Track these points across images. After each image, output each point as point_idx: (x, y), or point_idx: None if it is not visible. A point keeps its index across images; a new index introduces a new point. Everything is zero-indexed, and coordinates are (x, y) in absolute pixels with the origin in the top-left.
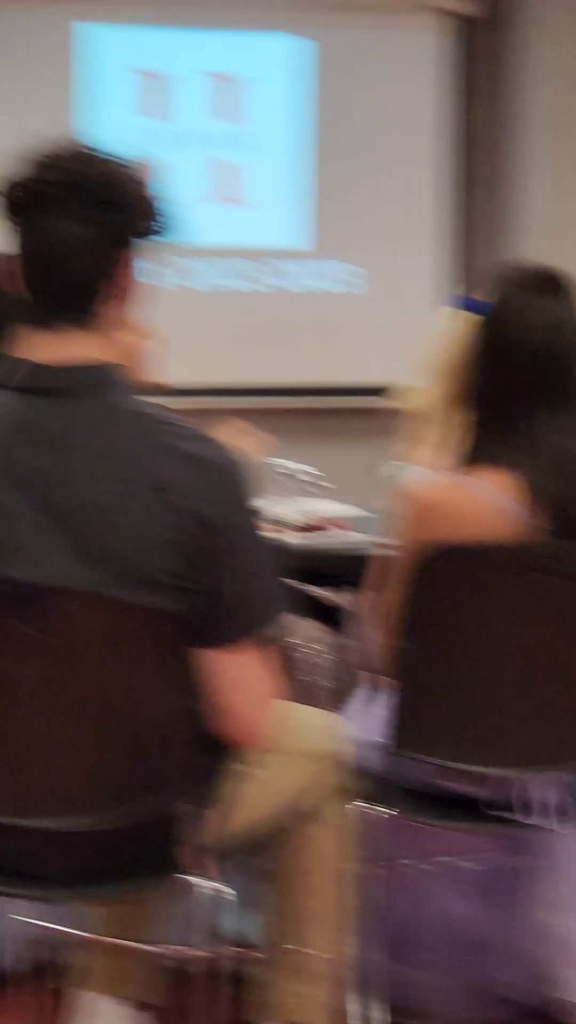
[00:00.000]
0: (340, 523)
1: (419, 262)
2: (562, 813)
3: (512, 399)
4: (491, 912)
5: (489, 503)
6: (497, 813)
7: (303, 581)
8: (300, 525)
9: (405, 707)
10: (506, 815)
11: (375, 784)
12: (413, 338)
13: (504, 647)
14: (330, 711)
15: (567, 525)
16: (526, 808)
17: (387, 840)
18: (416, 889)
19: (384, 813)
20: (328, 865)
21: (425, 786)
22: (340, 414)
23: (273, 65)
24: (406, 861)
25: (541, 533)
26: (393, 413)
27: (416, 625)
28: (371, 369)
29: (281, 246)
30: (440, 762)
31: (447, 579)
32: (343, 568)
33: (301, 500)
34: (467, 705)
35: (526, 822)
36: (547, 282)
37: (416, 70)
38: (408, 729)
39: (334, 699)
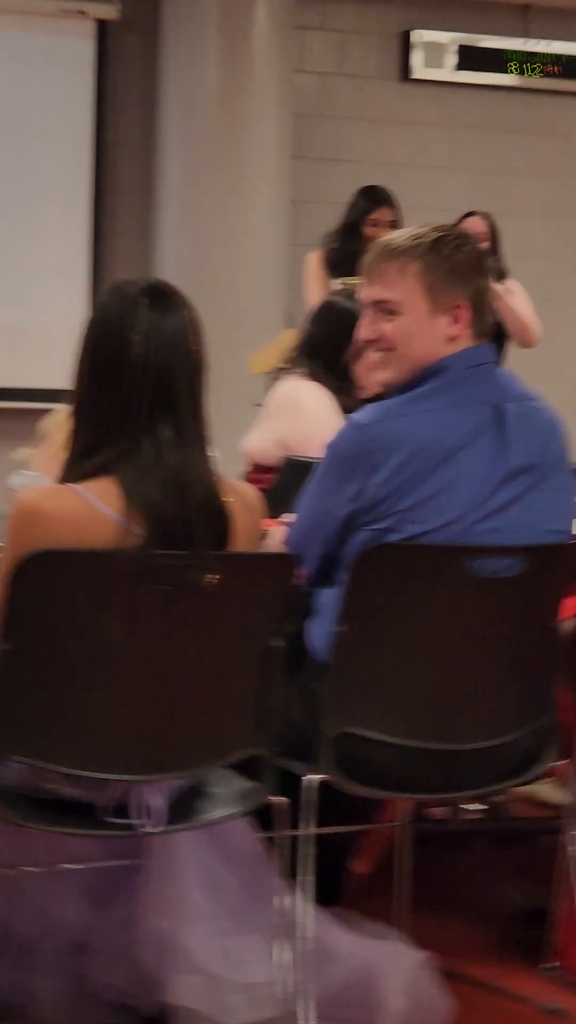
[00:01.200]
0: None
1: (51, 266)
2: (169, 817)
3: (115, 409)
4: (98, 915)
5: (91, 511)
6: (103, 817)
7: None
8: None
9: (5, 709)
10: (112, 819)
11: None
12: (41, 343)
13: (105, 653)
14: None
15: (166, 535)
16: (132, 812)
17: None
18: (20, 891)
19: None
20: None
21: (27, 789)
22: None
23: None
24: (10, 864)
25: (142, 542)
26: (27, 417)
27: (13, 628)
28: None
29: None
30: (42, 764)
31: (40, 583)
32: None
33: None
34: (71, 709)
35: (133, 826)
36: (154, 295)
37: (54, 72)
38: (10, 731)
39: None
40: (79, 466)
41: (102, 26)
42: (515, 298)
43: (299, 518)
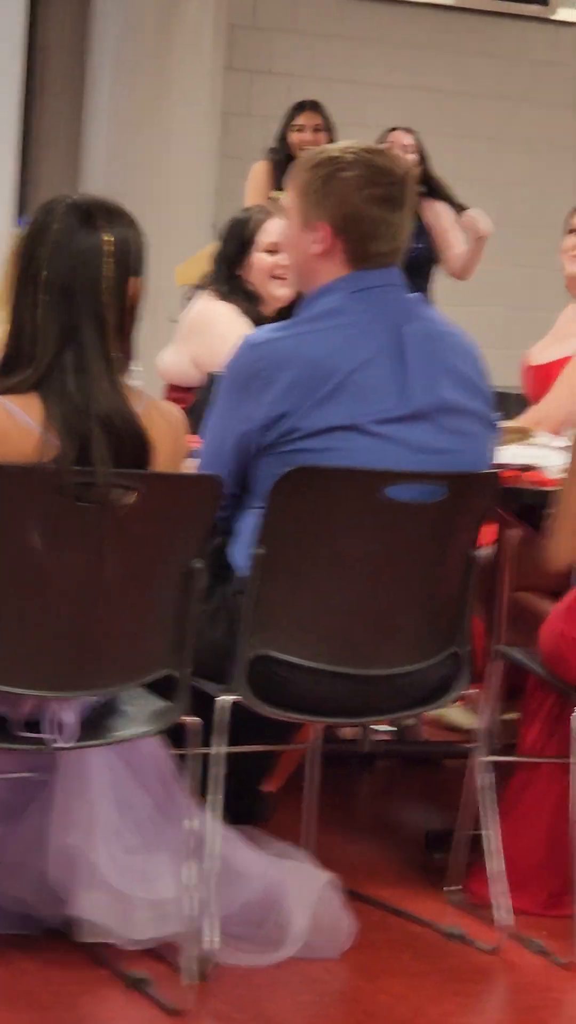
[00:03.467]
0: None
1: None
2: (81, 734)
3: (29, 327)
4: (5, 828)
5: (13, 423)
6: (15, 732)
7: None
8: None
9: None
10: (24, 733)
11: None
12: None
13: (21, 568)
14: None
15: (78, 454)
16: (44, 727)
17: None
18: None
19: None
20: None
21: None
22: None
23: None
24: None
25: (62, 458)
26: None
27: None
28: None
29: None
30: None
31: None
32: None
33: None
34: None
35: (44, 741)
36: (78, 212)
37: None
38: None
39: None
40: (4, 379)
41: None
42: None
43: (205, 441)
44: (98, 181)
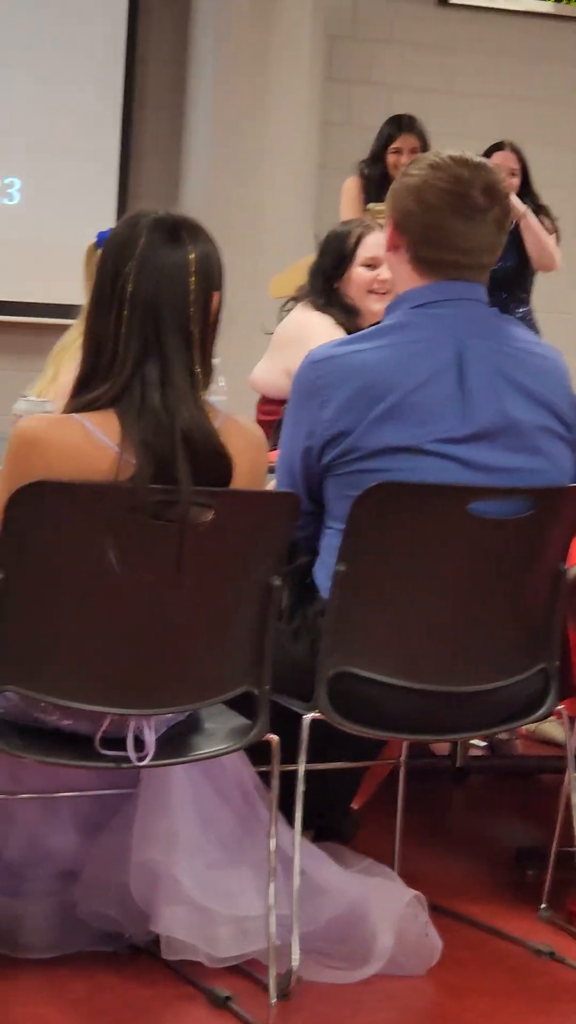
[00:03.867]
0: None
1: (79, 181)
2: (163, 751)
3: (111, 342)
4: (89, 844)
5: (91, 441)
6: (97, 749)
7: None
8: None
9: (3, 640)
10: (105, 751)
11: None
12: (68, 258)
13: (101, 585)
14: None
15: (156, 472)
16: (126, 744)
17: None
18: (12, 819)
19: None
20: None
21: (20, 718)
22: None
23: None
24: (2, 792)
25: (139, 476)
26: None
27: (8, 556)
28: (24, 285)
29: None
30: (36, 696)
31: (35, 513)
32: None
33: None
34: (66, 640)
35: (125, 759)
36: (163, 227)
37: None
38: (4, 661)
39: None
40: (81, 395)
41: None
42: (533, 220)
43: (278, 458)
44: (198, 192)
